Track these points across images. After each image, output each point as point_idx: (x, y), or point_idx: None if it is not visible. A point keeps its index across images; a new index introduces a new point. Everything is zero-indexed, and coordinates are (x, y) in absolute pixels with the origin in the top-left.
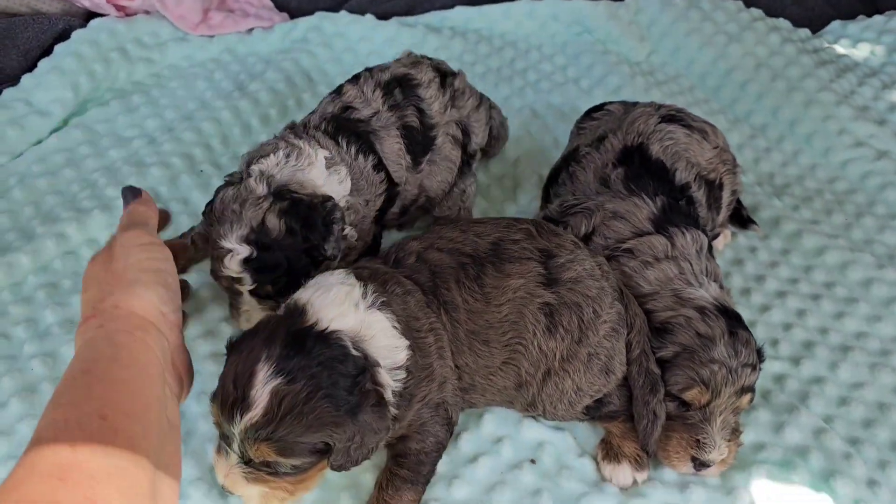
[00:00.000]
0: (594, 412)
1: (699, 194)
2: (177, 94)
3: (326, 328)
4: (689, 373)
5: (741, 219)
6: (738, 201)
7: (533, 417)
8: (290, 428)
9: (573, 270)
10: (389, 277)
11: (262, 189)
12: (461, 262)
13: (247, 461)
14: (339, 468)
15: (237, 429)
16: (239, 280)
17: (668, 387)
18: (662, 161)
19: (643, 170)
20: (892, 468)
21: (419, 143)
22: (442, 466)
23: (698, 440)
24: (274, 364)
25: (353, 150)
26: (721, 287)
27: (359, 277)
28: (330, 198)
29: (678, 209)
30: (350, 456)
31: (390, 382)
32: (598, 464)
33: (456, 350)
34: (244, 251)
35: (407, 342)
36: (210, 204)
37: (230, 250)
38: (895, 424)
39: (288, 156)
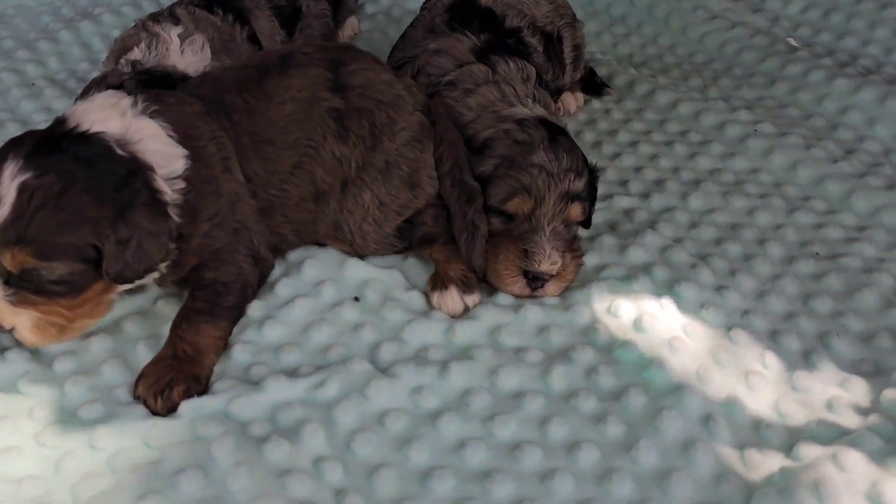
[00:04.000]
0: (408, 235)
1: (533, 41)
2: (20, 28)
3: (87, 130)
4: (509, 181)
5: (595, 86)
6: (592, 70)
7: (358, 257)
8: (44, 224)
9: (363, 76)
10: (167, 93)
11: (128, 68)
12: (246, 71)
13: (6, 280)
14: (117, 278)
15: None
16: None
17: (489, 201)
18: (491, 9)
19: (469, 13)
20: (743, 275)
21: (288, 16)
22: (254, 311)
23: (526, 250)
24: (22, 161)
25: (230, 17)
26: (552, 116)
27: (130, 93)
28: (185, 76)
29: (505, 45)
30: (126, 262)
31: (167, 191)
32: (427, 296)
33: (242, 158)
34: None
35: (185, 151)
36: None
37: None
38: (747, 240)
39: (149, 45)
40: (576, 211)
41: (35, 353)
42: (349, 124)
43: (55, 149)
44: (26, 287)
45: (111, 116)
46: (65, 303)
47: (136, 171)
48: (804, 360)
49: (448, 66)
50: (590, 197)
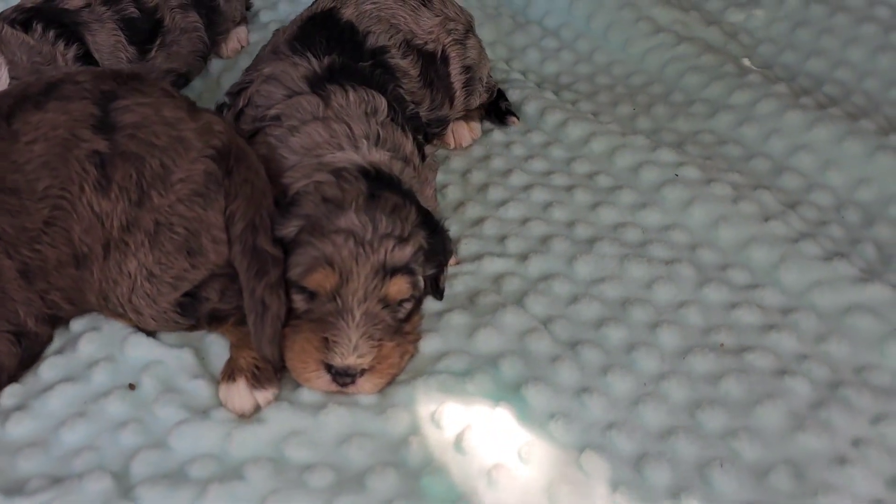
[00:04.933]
0: (191, 312)
1: (404, 63)
2: None
3: None
4: (310, 250)
5: (499, 112)
6: (500, 93)
7: (146, 332)
8: None
9: (137, 114)
10: None
11: None
12: (2, 102)
13: None
14: None
15: None
16: None
17: (290, 273)
18: (353, 24)
19: (317, 30)
20: (618, 373)
21: (143, 30)
22: (7, 398)
23: (326, 339)
24: None
25: (50, 34)
26: (400, 159)
27: None
28: None
29: (354, 70)
30: None
31: None
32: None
33: None
34: None
35: None
36: None
37: None
38: (637, 323)
39: None
40: (398, 287)
41: None
42: (112, 173)
43: None
44: None
45: None
46: None
47: None
48: (672, 500)
49: (277, 95)
50: (434, 264)
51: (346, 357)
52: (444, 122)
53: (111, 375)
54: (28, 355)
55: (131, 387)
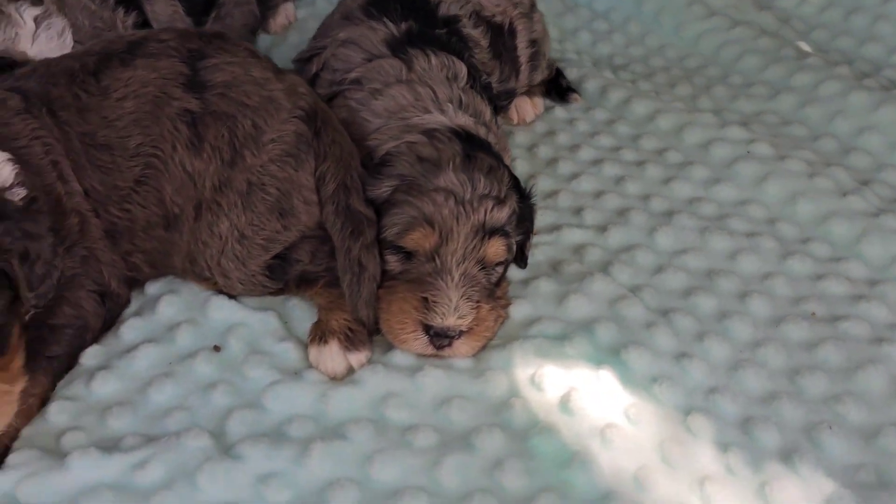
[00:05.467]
0: (280, 274)
1: (475, 33)
2: None
3: None
4: (408, 209)
5: (560, 90)
6: (559, 72)
7: (227, 295)
8: None
9: (227, 73)
10: None
11: None
12: (84, 60)
13: None
14: (39, 299)
15: None
16: None
17: (384, 234)
18: None
19: None
20: (714, 339)
21: (199, 2)
22: (88, 359)
23: (426, 299)
24: None
25: (111, 1)
26: (483, 125)
27: None
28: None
29: (432, 36)
30: (40, 277)
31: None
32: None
33: (76, 166)
34: None
35: (5, 154)
36: None
37: None
38: (725, 293)
39: None
40: (495, 249)
41: None
42: (203, 132)
43: None
44: None
45: None
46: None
47: None
48: (784, 462)
49: (356, 59)
50: (522, 230)
51: (447, 318)
52: (511, 96)
53: (195, 337)
54: (109, 317)
55: (216, 349)
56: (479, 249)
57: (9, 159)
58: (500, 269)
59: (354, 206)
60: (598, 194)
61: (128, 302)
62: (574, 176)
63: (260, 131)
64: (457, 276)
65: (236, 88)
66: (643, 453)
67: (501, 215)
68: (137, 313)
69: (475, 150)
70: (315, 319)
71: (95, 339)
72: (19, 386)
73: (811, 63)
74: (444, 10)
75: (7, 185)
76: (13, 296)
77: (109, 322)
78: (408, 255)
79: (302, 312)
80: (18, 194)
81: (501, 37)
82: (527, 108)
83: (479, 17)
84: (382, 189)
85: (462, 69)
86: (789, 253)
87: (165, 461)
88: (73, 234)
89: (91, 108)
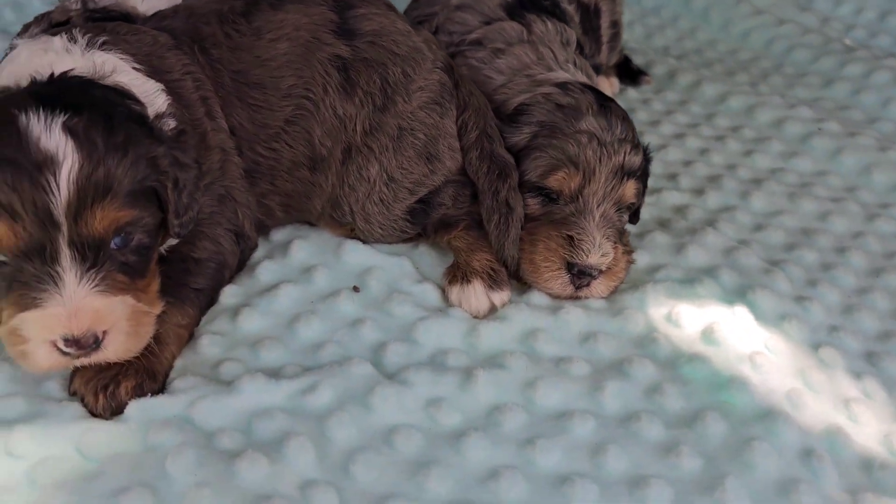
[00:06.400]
0: (422, 218)
1: (570, 8)
2: None
3: (64, 73)
4: (551, 151)
5: (630, 73)
6: (626, 57)
7: (358, 240)
8: (119, 165)
9: (375, 22)
10: (114, 24)
11: (76, 5)
12: (229, 2)
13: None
14: (180, 229)
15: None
16: None
17: (525, 176)
18: None
19: None
20: (825, 286)
21: None
22: (228, 298)
23: (571, 237)
24: (41, 107)
25: None
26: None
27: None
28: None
29: (541, 5)
30: (185, 206)
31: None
32: (444, 290)
33: (225, 102)
34: None
35: (160, 84)
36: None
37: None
38: (824, 248)
39: None
40: (631, 191)
41: None
42: (356, 78)
43: (53, 90)
44: (111, 264)
45: (61, 59)
46: (141, 284)
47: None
48: None
49: (473, 22)
50: (643, 181)
51: (591, 255)
52: (596, 72)
53: (332, 279)
54: (242, 258)
55: (355, 289)
56: (617, 190)
57: (162, 90)
58: (627, 214)
59: (498, 151)
60: (687, 163)
61: (255, 246)
62: (661, 147)
63: (409, 79)
64: (597, 217)
65: (385, 37)
66: (788, 378)
67: (637, 159)
68: (269, 257)
69: (606, 100)
70: (443, 264)
71: (231, 278)
72: (157, 309)
73: (859, 55)
74: None
75: (158, 114)
76: (162, 219)
77: (241, 264)
78: (548, 197)
79: (430, 258)
80: (169, 125)
81: (588, 16)
82: (605, 87)
83: None
84: (521, 136)
85: (573, 36)
86: (873, 215)
87: (333, 386)
88: (214, 172)
89: (244, 48)
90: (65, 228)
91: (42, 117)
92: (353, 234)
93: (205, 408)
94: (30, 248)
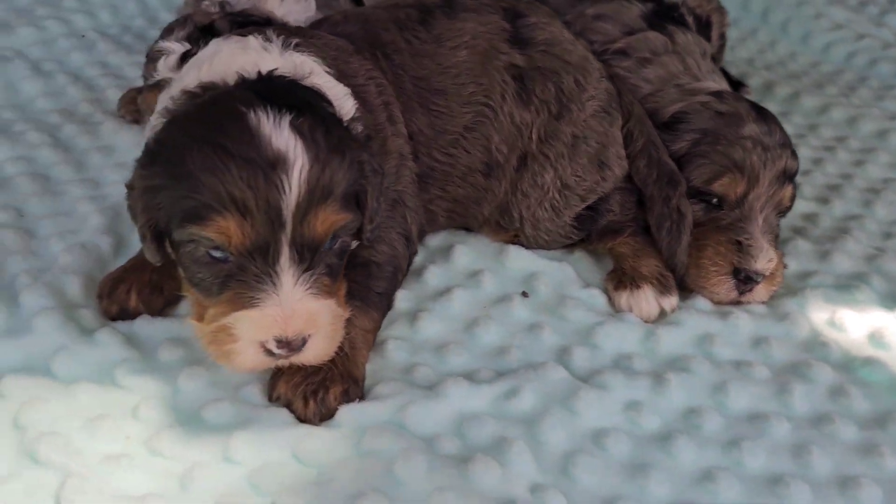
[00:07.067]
0: (588, 225)
1: (689, 20)
2: None
3: (270, 72)
4: (716, 157)
5: (730, 82)
6: (723, 69)
7: (517, 244)
8: (338, 168)
9: (546, 32)
10: (298, 28)
11: (214, 8)
12: (403, 11)
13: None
14: (371, 234)
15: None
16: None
17: (690, 183)
18: None
19: None
20: None
21: None
22: (401, 302)
23: (740, 242)
24: (267, 104)
25: None
26: None
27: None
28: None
29: (673, 16)
30: (377, 211)
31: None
32: (609, 296)
33: (406, 108)
34: (181, 48)
35: (347, 88)
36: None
37: (166, 51)
38: None
39: None
40: (788, 195)
41: (132, 338)
42: (532, 86)
43: (268, 89)
44: (322, 267)
45: (264, 58)
46: (335, 287)
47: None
48: None
49: (615, 32)
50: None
51: (760, 260)
52: None
53: (499, 283)
54: (408, 263)
55: (524, 294)
56: (778, 195)
57: (349, 94)
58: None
59: (664, 159)
60: (805, 172)
61: (416, 252)
62: None
63: (581, 88)
64: (761, 221)
65: (557, 46)
66: None
67: (795, 164)
68: (432, 262)
69: (760, 107)
70: (599, 269)
71: (402, 282)
72: (347, 313)
73: None
74: None
75: (349, 116)
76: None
77: (408, 267)
78: (710, 203)
79: (586, 264)
80: (357, 129)
81: (701, 27)
82: None
83: (687, 7)
84: (682, 143)
85: (707, 46)
86: None
87: (534, 390)
88: (390, 176)
89: (426, 55)
90: (288, 229)
91: (271, 116)
92: (515, 239)
93: (415, 413)
94: (255, 247)
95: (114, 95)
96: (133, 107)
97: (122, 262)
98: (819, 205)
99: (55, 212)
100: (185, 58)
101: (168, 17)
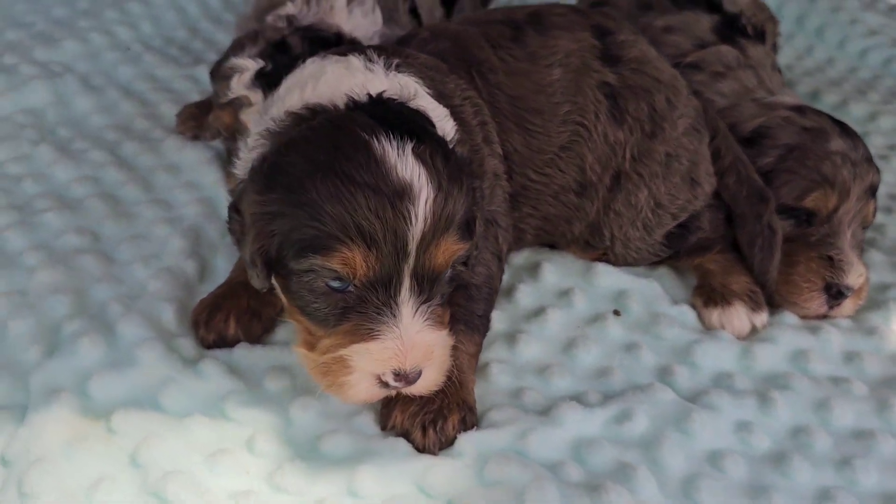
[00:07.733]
0: (678, 242)
1: (748, 29)
2: None
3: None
4: (806, 173)
5: None
6: None
7: (604, 262)
8: (458, 198)
9: (637, 49)
10: (393, 47)
11: (282, 23)
12: (490, 28)
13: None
14: (475, 258)
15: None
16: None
17: (779, 199)
18: None
19: None
20: None
21: None
22: (497, 323)
23: (831, 257)
24: (387, 130)
25: None
26: None
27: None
28: (354, 41)
29: (738, 28)
30: (482, 231)
31: None
32: (699, 313)
33: (501, 127)
34: (255, 66)
35: (446, 110)
36: (219, 62)
37: (240, 68)
38: None
39: (307, 2)
40: (871, 209)
41: (234, 368)
42: (624, 105)
43: (383, 113)
44: (439, 298)
45: (371, 79)
46: (444, 315)
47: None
48: None
49: (686, 45)
50: None
51: (851, 275)
52: None
53: (590, 302)
54: (500, 281)
55: (616, 313)
56: (864, 210)
57: (448, 115)
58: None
59: (752, 175)
60: None
61: (504, 271)
62: None
63: (672, 106)
64: (849, 236)
65: (648, 65)
66: None
67: (878, 178)
68: (521, 280)
69: (841, 122)
70: (683, 285)
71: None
72: (452, 339)
73: None
74: (727, 6)
75: (448, 138)
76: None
77: (498, 288)
78: (799, 218)
79: (671, 280)
80: (461, 152)
81: (756, 37)
82: None
83: (745, 17)
84: (767, 158)
85: (775, 59)
86: None
87: (647, 413)
88: (483, 197)
89: (521, 73)
90: (411, 260)
91: (394, 143)
92: (603, 257)
93: (535, 440)
94: (379, 278)
95: (168, 110)
96: (193, 123)
97: (208, 287)
98: (885, 215)
99: (132, 235)
100: (259, 75)
101: (208, 27)
